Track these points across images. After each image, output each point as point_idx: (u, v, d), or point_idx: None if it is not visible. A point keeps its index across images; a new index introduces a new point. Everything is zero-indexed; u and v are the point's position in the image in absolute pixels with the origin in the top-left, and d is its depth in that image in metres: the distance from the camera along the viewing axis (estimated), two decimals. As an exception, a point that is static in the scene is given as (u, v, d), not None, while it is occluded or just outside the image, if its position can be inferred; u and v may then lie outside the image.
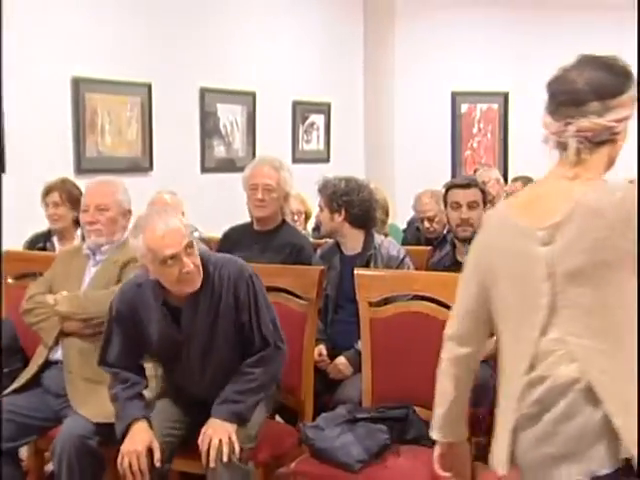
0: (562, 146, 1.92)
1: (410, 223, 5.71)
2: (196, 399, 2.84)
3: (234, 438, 2.63)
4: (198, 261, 2.70)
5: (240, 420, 2.70)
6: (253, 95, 6.45)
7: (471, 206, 3.54)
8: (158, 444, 2.66)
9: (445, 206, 3.66)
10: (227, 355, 2.80)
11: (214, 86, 6.11)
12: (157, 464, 2.63)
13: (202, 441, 2.65)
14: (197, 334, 2.77)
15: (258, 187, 3.69)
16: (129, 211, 3.31)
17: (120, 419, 2.74)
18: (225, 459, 2.58)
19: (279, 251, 3.67)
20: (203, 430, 2.67)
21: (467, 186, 3.60)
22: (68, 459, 2.79)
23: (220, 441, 2.61)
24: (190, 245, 2.68)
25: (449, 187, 3.66)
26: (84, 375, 3.03)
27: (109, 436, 2.78)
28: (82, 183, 3.93)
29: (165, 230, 2.64)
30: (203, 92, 6.04)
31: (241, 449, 2.63)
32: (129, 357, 2.85)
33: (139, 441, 2.65)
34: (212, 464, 2.59)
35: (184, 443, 2.79)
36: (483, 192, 3.62)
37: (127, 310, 2.80)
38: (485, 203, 3.60)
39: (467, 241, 3.55)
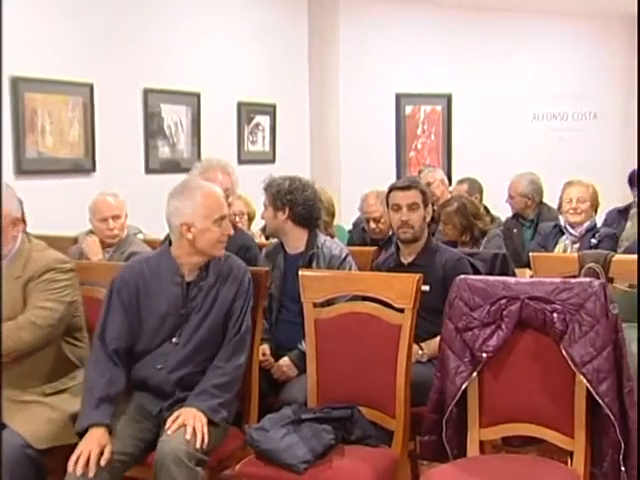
0: None
1: (356, 224, 5.75)
2: (158, 392, 2.88)
3: (205, 430, 2.68)
4: None
5: (213, 415, 2.76)
6: (197, 96, 6.41)
7: (411, 208, 3.56)
8: (111, 451, 2.66)
9: (387, 208, 3.69)
10: (210, 338, 2.92)
11: (158, 87, 6.06)
12: (102, 463, 2.61)
13: (171, 420, 2.71)
14: (197, 309, 2.92)
15: None
16: (18, 219, 3.06)
17: (84, 415, 2.76)
18: (198, 445, 2.63)
19: (227, 251, 3.66)
20: (176, 413, 2.73)
21: (407, 188, 3.62)
22: (9, 469, 2.73)
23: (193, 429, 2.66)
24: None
25: (390, 189, 3.68)
26: (10, 398, 2.92)
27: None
28: (22, 185, 3.84)
29: (219, 193, 2.99)
30: (147, 92, 5.98)
31: (201, 448, 2.65)
32: (126, 333, 2.90)
33: (96, 443, 2.65)
34: (170, 432, 2.66)
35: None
36: (424, 193, 3.64)
37: (133, 283, 2.93)
38: (426, 204, 3.63)
39: (408, 242, 3.59)
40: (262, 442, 2.71)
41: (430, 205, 3.67)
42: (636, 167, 5.86)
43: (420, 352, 3.35)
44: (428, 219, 3.65)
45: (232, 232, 3.01)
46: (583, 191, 4.90)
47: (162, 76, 6.08)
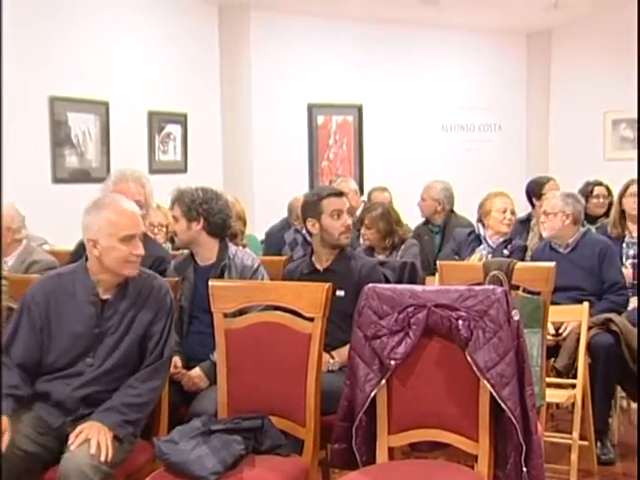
0: None
1: (270, 233, 5.84)
2: (60, 407, 2.83)
3: (109, 443, 2.65)
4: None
5: (119, 431, 2.73)
6: (106, 105, 6.31)
7: (350, 212, 3.65)
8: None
9: (315, 215, 3.68)
10: (125, 360, 2.88)
11: (64, 95, 5.93)
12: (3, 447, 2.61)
13: (74, 435, 2.67)
14: (113, 330, 2.87)
15: None
16: None
17: None
18: (102, 459, 2.60)
19: (142, 264, 3.61)
20: (79, 428, 2.69)
21: (341, 194, 3.71)
22: None
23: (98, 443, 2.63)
24: (142, 235, 2.98)
25: (325, 196, 3.68)
26: None
27: None
28: None
29: (131, 211, 2.90)
30: (53, 100, 5.86)
31: (106, 461, 2.62)
32: (32, 351, 2.84)
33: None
34: (72, 447, 2.62)
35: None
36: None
37: (43, 301, 2.86)
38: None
39: (342, 248, 3.63)
40: (171, 454, 2.68)
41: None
42: (532, 179, 6.10)
43: (331, 361, 3.38)
44: None
45: (142, 252, 2.93)
46: (510, 203, 5.08)
47: (69, 84, 5.96)
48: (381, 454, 2.79)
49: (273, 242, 5.71)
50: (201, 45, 7.48)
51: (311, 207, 3.70)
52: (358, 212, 5.84)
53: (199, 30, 7.46)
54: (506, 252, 4.80)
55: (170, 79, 7.07)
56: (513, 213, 5.08)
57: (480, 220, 5.10)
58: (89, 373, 2.86)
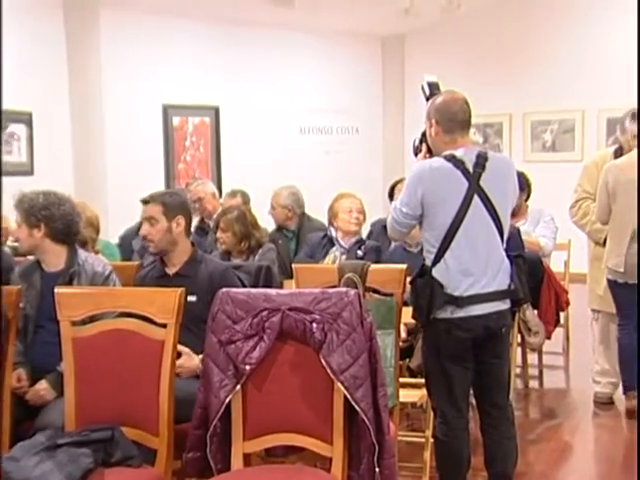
0: None
1: (125, 237, 5.65)
2: None
3: None
4: None
5: None
6: (-64, 102, 5.95)
7: (149, 221, 3.52)
8: None
9: None
10: None
11: None
12: None
13: None
14: None
15: None
16: None
17: None
18: None
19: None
20: None
21: (146, 202, 3.60)
22: None
23: None
24: None
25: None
26: None
27: None
28: None
29: None
30: None
31: None
32: None
33: None
34: None
35: None
36: (165, 205, 3.53)
37: None
38: (172, 216, 3.51)
39: (155, 255, 3.55)
40: (12, 472, 2.54)
41: (181, 216, 3.55)
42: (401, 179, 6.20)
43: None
44: (179, 230, 3.54)
45: None
46: (358, 202, 5.15)
47: None
48: (236, 461, 2.75)
49: (127, 247, 5.56)
50: (45, 43, 7.18)
51: None
52: (215, 215, 5.78)
53: (42, 28, 7.17)
54: (360, 253, 4.87)
55: (11, 76, 6.72)
56: (361, 212, 5.15)
57: (331, 223, 5.17)
58: None
